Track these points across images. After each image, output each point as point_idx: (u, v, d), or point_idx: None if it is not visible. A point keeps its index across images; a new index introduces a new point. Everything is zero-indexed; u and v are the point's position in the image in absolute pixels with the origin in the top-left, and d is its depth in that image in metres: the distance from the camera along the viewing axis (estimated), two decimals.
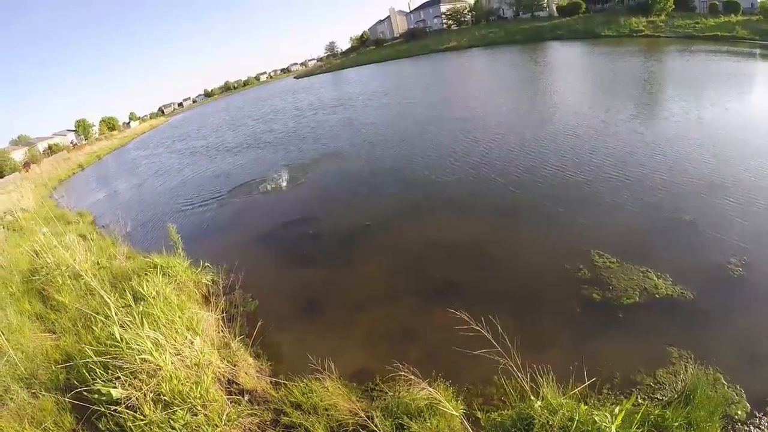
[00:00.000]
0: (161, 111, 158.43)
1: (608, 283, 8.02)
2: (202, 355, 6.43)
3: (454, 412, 4.35)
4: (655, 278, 7.94)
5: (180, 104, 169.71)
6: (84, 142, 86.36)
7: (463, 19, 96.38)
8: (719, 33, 43.45)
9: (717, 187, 10.77)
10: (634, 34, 51.29)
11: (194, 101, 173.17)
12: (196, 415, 5.43)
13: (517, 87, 30.31)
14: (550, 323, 7.37)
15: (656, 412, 4.72)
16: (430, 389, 4.69)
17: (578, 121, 18.76)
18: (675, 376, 6.07)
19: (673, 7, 54.66)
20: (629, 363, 6.32)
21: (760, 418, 5.40)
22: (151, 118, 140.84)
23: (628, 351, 6.56)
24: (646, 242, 9.13)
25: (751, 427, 5.30)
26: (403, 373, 5.08)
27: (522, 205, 11.84)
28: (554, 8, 76.21)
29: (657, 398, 5.74)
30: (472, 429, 4.45)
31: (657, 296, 7.54)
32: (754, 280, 7.65)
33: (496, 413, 5.26)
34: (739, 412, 5.46)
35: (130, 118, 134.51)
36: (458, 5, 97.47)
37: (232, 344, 7.32)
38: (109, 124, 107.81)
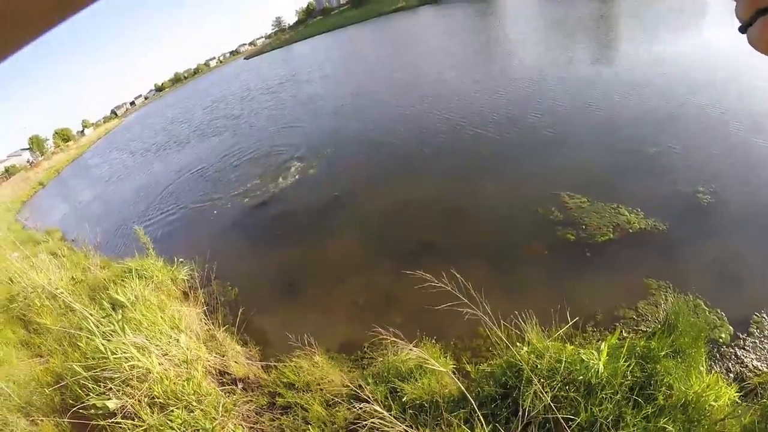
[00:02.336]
0: (114, 113, 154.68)
1: (581, 223, 8.11)
2: (189, 351, 6.39)
3: (442, 369, 4.38)
4: (627, 213, 8.03)
5: (132, 103, 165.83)
6: (41, 158, 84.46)
7: None
8: None
9: (675, 120, 10.86)
10: None
11: (146, 98, 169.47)
12: (192, 411, 5.41)
13: (472, 48, 30.08)
14: (528, 269, 7.45)
15: (642, 343, 4.78)
16: (416, 350, 4.71)
17: (535, 70, 18.63)
18: (656, 307, 6.21)
19: None
20: (610, 299, 6.42)
21: (743, 339, 5.55)
22: (104, 122, 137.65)
23: (607, 287, 6.68)
24: (614, 179, 9.21)
25: (736, 349, 5.45)
26: (389, 338, 5.09)
27: (490, 155, 11.88)
28: None
29: (641, 330, 5.86)
30: (462, 382, 4.49)
31: (630, 231, 7.65)
32: (723, 206, 7.79)
33: (485, 364, 5.31)
34: (723, 335, 5.62)
35: (84, 126, 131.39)
36: None
37: (218, 335, 7.27)
38: (64, 136, 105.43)
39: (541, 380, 4.03)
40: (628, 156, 9.91)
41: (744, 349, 5.47)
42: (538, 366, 4.24)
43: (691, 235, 7.32)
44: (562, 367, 4.19)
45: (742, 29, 0.64)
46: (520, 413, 3.92)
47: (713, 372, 4.89)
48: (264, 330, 7.93)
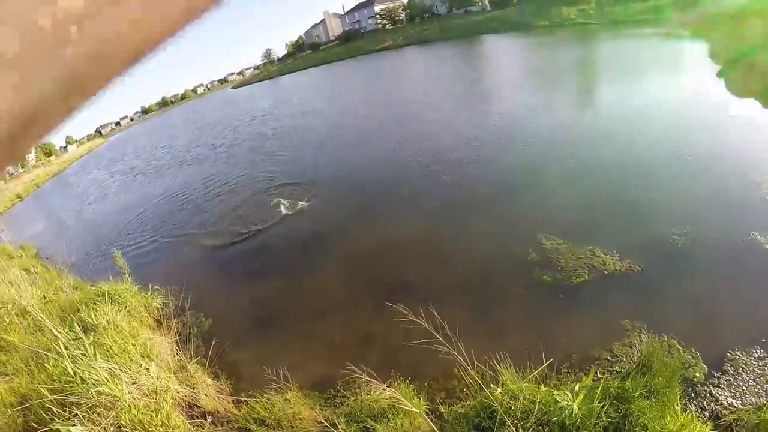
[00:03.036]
0: (99, 132, 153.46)
1: (557, 265, 8.17)
2: (159, 381, 6.25)
3: (415, 410, 4.33)
4: (602, 255, 8.13)
5: (117, 123, 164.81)
6: (21, 171, 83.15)
7: (397, 18, 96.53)
8: (647, 16, 44.52)
9: (649, 165, 11.08)
10: (566, 23, 52.38)
11: (132, 119, 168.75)
12: None
13: (451, 85, 30.54)
14: (505, 310, 7.46)
15: (616, 384, 4.80)
16: (390, 390, 4.67)
17: (512, 115, 18.91)
18: (630, 348, 6.23)
19: None
20: (585, 340, 6.44)
21: (718, 377, 5.63)
22: (88, 140, 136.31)
23: (582, 329, 6.69)
24: (590, 222, 9.33)
25: (710, 387, 5.52)
26: (363, 377, 5.04)
27: (467, 198, 11.95)
28: (487, 2, 77.36)
29: (615, 371, 5.87)
30: (435, 423, 4.44)
31: (605, 272, 7.73)
32: (696, 248, 7.93)
33: (458, 405, 5.27)
34: (698, 374, 5.68)
35: (68, 142, 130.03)
36: (392, 4, 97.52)
37: (189, 366, 7.13)
38: (46, 150, 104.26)
39: (515, 422, 4.00)
40: (604, 200, 10.09)
41: (719, 387, 5.54)
42: (512, 407, 4.22)
43: (666, 276, 7.44)
44: (536, 409, 4.17)
45: None
46: None
47: (688, 411, 4.94)
48: (236, 364, 7.79)
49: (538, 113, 17.97)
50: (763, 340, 6.13)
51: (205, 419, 6.11)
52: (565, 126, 15.73)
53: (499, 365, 5.03)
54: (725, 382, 5.58)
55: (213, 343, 7.85)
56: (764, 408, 4.82)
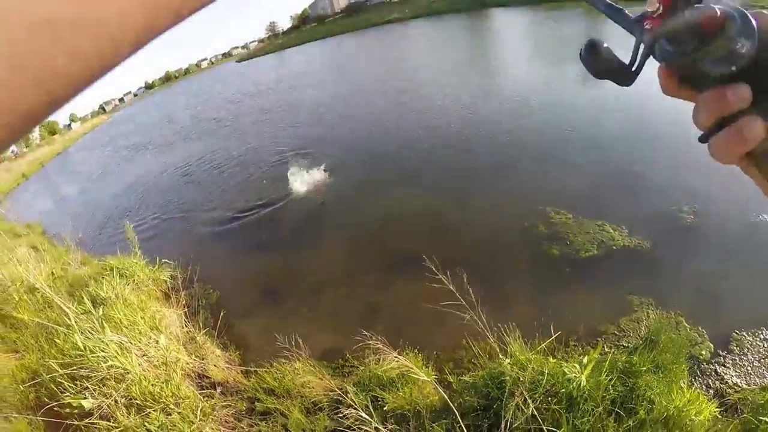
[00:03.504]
0: (102, 108, 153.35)
1: (566, 239, 8.14)
2: (168, 352, 6.31)
3: (426, 378, 4.36)
4: (612, 230, 8.07)
5: (121, 99, 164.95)
6: (25, 150, 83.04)
7: None
8: None
9: (660, 141, 10.95)
10: None
11: (135, 95, 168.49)
12: (170, 414, 5.33)
13: (460, 63, 30.26)
14: (513, 282, 7.47)
15: (623, 358, 4.80)
16: (400, 358, 4.69)
17: (521, 89, 18.62)
18: (638, 323, 6.26)
19: None
20: (593, 314, 6.46)
21: (723, 356, 5.64)
22: (92, 117, 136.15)
23: (591, 303, 6.70)
24: (599, 197, 9.27)
25: (716, 366, 5.53)
26: (371, 344, 5.07)
27: (476, 170, 11.86)
28: None
29: (623, 345, 5.89)
30: (444, 392, 4.48)
31: (614, 248, 7.69)
32: (705, 225, 7.86)
33: (467, 375, 5.29)
34: (704, 353, 5.69)
35: (71, 120, 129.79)
36: None
37: (198, 338, 7.19)
38: (50, 129, 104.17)
39: (524, 392, 4.03)
40: (613, 174, 9.99)
41: (724, 366, 5.56)
42: (521, 378, 4.24)
43: (674, 253, 7.40)
44: (544, 380, 4.19)
45: (704, 138, 0.61)
46: (502, 425, 3.91)
47: (694, 388, 4.96)
48: (245, 334, 7.85)
49: (551, 86, 17.75)
50: None
51: (215, 389, 6.17)
52: (575, 98, 15.59)
53: (508, 336, 5.05)
54: (731, 362, 5.60)
55: (221, 314, 7.88)
56: None
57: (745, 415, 4.25)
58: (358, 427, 4.00)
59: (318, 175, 14.27)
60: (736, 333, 5.91)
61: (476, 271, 7.68)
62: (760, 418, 4.04)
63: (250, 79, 59.97)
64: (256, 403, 5.81)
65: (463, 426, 3.80)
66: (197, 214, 14.82)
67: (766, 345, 5.83)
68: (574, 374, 4.20)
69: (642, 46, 0.63)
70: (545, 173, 10.73)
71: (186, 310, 8.21)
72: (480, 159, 12.50)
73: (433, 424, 4.12)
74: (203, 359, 6.68)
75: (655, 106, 12.52)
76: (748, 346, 5.80)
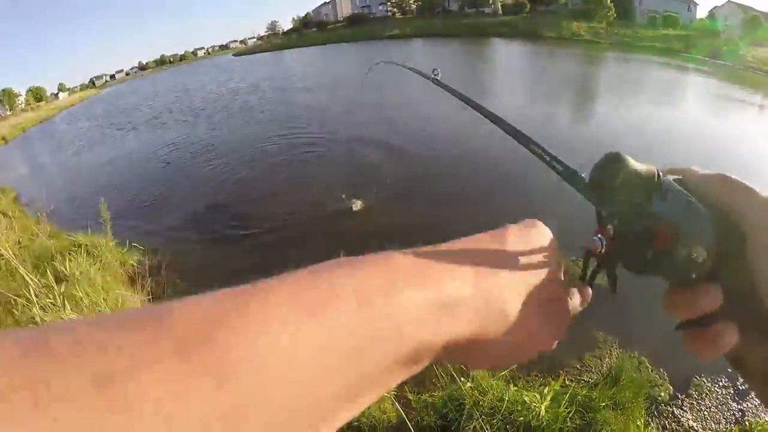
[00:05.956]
0: (92, 82, 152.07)
1: None
2: None
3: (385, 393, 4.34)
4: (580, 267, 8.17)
5: (113, 76, 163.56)
6: (9, 113, 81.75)
7: (408, 8, 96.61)
8: (656, 44, 45.16)
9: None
10: (575, 38, 52.72)
11: (127, 74, 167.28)
12: None
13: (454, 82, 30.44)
14: None
15: (583, 392, 4.86)
16: None
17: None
18: (600, 360, 6.37)
19: (615, 16, 56.55)
20: (558, 347, 6.48)
21: (682, 400, 5.80)
22: (81, 89, 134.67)
23: None
24: (570, 233, 9.33)
25: (674, 408, 5.69)
26: None
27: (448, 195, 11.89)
28: (499, 6, 77.69)
29: (584, 380, 5.95)
30: (403, 410, 4.46)
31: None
32: None
33: (426, 394, 5.29)
34: (662, 394, 5.84)
35: (60, 89, 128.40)
36: None
37: None
38: (37, 95, 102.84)
39: (483, 416, 4.03)
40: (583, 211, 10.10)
41: (682, 408, 5.72)
42: (480, 402, 4.24)
43: (640, 294, 7.51)
44: (503, 407, 4.20)
45: (678, 327, 0.63)
46: None
47: (650, 428, 5.07)
48: None
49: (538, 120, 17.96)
50: (729, 369, 6.26)
51: None
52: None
53: None
54: (688, 405, 5.76)
55: None
56: None
57: None
58: None
59: (291, 171, 14.24)
60: (696, 378, 6.09)
61: None
62: None
63: (244, 73, 59.82)
64: None
65: None
66: (172, 201, 14.64)
67: (724, 392, 6.02)
68: (534, 404, 4.23)
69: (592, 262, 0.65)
70: (505, 203, 10.91)
71: (150, 297, 8.03)
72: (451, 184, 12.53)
73: None
74: None
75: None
76: (707, 391, 5.98)
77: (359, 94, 23.22)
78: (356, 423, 4.60)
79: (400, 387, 5.58)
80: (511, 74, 31.66)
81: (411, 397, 5.20)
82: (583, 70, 30.28)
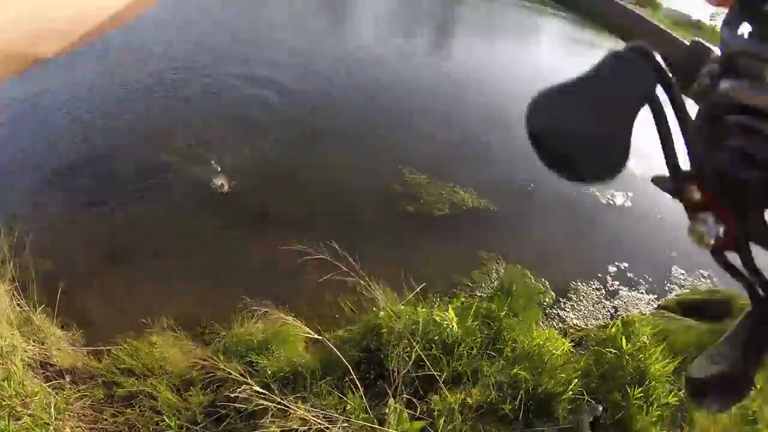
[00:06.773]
0: None
1: (420, 198, 8.54)
2: (3, 340, 5.45)
3: (313, 334, 4.32)
4: (462, 193, 8.73)
5: None
6: None
7: None
8: None
9: (503, 116, 11.75)
10: None
11: None
12: (19, 419, 4.52)
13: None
14: (371, 239, 7.49)
15: (484, 305, 5.15)
16: (282, 314, 4.60)
17: (381, 54, 18.49)
18: (488, 276, 7.00)
19: None
20: (448, 268, 7.05)
21: (564, 303, 6.88)
22: None
23: (445, 258, 7.28)
24: (451, 162, 9.94)
25: (559, 310, 6.75)
26: (234, 306, 4.95)
27: (327, 128, 11.45)
28: None
29: (477, 295, 6.50)
30: (321, 349, 4.48)
31: (465, 208, 8.36)
32: (541, 193, 9.22)
33: (341, 330, 5.33)
34: (547, 300, 6.83)
35: None
36: None
37: (34, 318, 6.21)
38: None
39: (404, 341, 4.15)
40: (464, 143, 11.00)
41: (564, 310, 6.80)
42: (398, 328, 4.35)
43: (517, 215, 8.51)
44: (419, 329, 4.34)
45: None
46: (391, 374, 3.99)
47: (545, 328, 5.62)
48: (88, 309, 6.66)
49: (411, 55, 18.37)
50: (599, 274, 7.63)
51: (64, 378, 5.46)
52: (436, 69, 16.61)
53: (376, 291, 5.10)
54: (570, 307, 6.86)
55: (59, 288, 6.84)
56: (609, 325, 5.54)
57: (595, 348, 4.77)
58: (240, 397, 3.79)
59: (157, 121, 12.60)
60: (573, 283, 7.25)
61: (334, 226, 7.58)
62: (607, 349, 4.55)
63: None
64: (115, 388, 5.13)
65: (355, 379, 3.80)
66: (27, 165, 12.47)
67: (597, 293, 7.26)
68: (445, 322, 4.42)
69: None
70: (400, 137, 11.07)
71: (15, 284, 6.97)
72: (333, 116, 12.17)
73: (321, 382, 4.06)
74: (43, 344, 5.89)
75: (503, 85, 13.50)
76: (583, 294, 7.16)
77: None
78: (280, 373, 4.50)
79: (314, 329, 5.47)
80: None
81: (327, 335, 5.08)
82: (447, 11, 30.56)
